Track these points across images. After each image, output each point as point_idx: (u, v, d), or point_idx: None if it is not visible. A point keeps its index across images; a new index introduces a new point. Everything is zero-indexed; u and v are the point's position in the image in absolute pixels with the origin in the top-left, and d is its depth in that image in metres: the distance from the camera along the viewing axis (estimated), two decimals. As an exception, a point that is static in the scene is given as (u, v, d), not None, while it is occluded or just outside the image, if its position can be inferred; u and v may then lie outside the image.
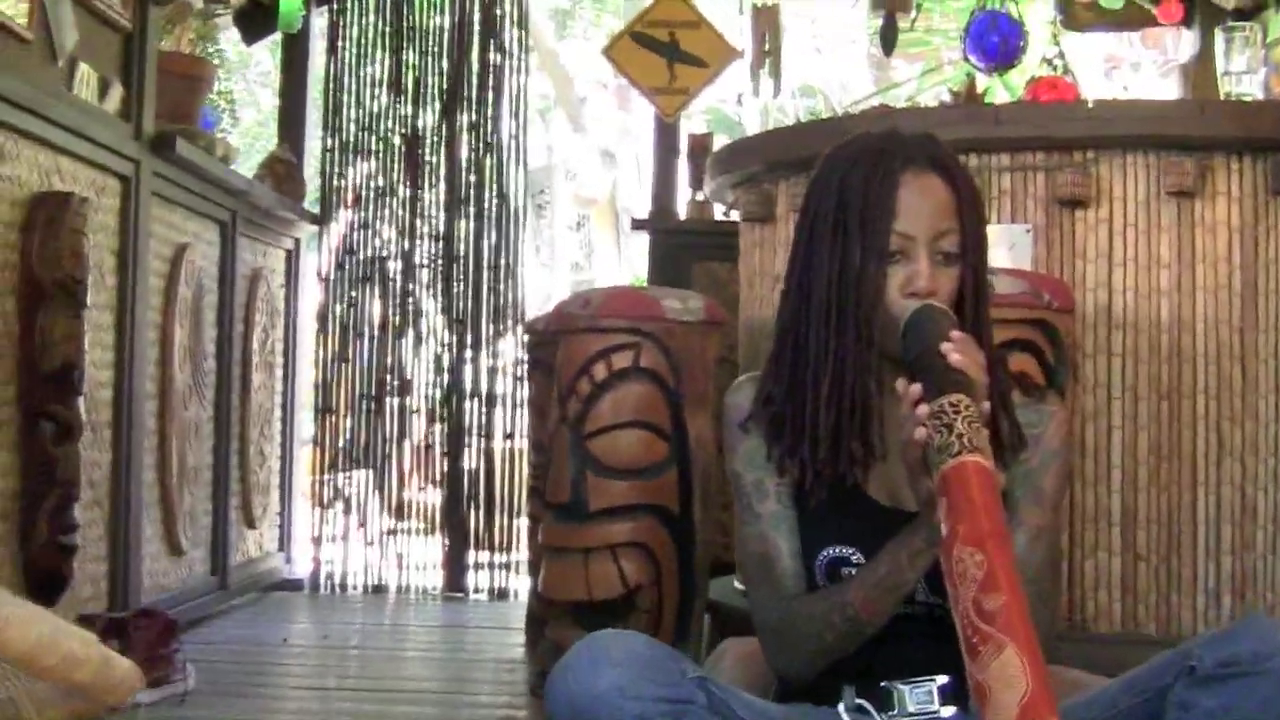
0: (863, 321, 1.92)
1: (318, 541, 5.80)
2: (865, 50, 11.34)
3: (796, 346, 1.98)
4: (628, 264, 12.95)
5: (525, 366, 5.23)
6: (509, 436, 5.80)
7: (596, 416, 3.21)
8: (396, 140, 5.88)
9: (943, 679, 1.88)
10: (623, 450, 3.20)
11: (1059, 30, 5.45)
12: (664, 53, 5.68)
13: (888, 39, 5.00)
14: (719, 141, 5.56)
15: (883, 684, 1.90)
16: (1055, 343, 2.96)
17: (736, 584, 4.04)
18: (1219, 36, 3.49)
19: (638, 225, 5.91)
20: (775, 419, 2.00)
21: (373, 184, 5.88)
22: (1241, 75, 3.44)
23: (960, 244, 1.95)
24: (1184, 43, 5.60)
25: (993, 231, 2.40)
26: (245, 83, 13.37)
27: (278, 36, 5.97)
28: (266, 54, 11.79)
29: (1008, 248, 3.27)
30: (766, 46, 5.81)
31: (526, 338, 4.93)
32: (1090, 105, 3.27)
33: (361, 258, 5.85)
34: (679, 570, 3.26)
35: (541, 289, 12.54)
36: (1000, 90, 6.33)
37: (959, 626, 1.55)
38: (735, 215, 4.30)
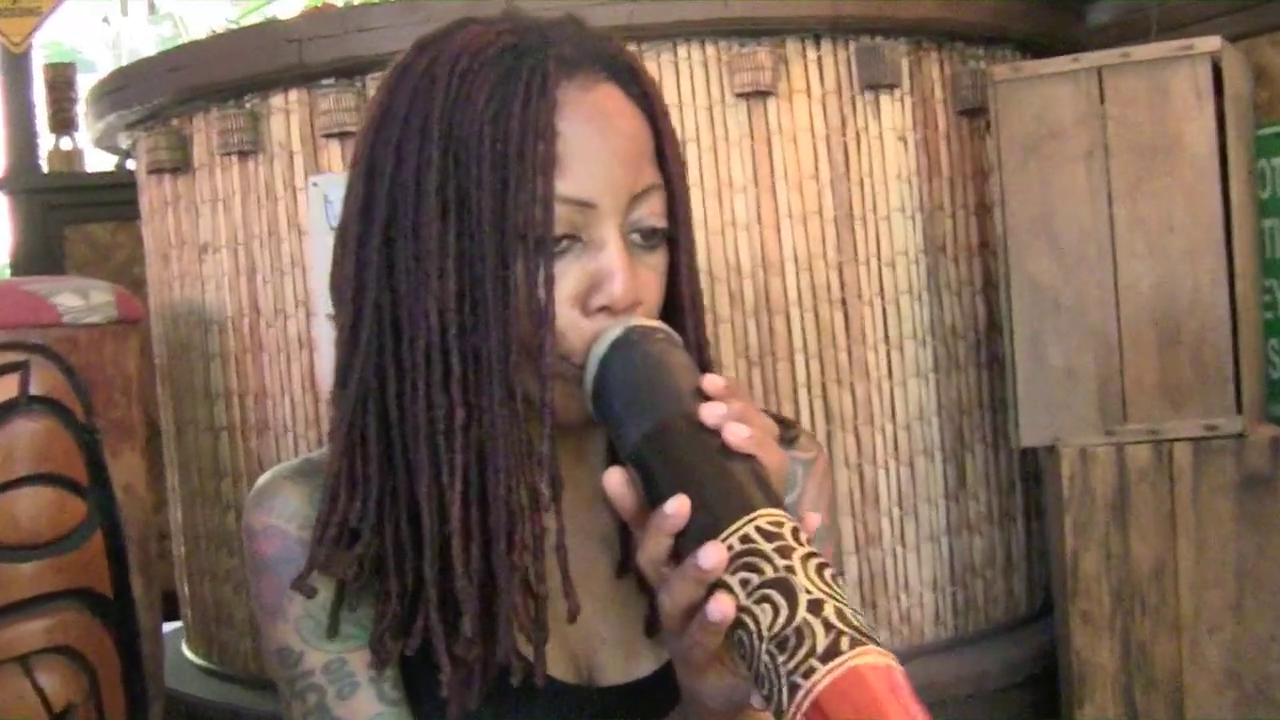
0: (512, 371, 1.01)
1: None
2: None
3: (388, 427, 1.04)
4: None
5: None
6: None
7: (-23, 474, 2.41)
8: None
9: None
10: (20, 518, 2.41)
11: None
12: (-1, -37, 4.47)
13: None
14: (85, 79, 4.45)
15: None
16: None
17: (188, 651, 3.07)
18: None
19: (-9, 186, 4.69)
20: (363, 565, 1.05)
21: None
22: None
23: (668, 210, 1.09)
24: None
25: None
26: None
27: None
28: None
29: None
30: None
31: None
32: (631, -16, 2.45)
33: None
34: (123, 673, 2.52)
35: None
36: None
37: None
38: (132, 164, 3.25)
